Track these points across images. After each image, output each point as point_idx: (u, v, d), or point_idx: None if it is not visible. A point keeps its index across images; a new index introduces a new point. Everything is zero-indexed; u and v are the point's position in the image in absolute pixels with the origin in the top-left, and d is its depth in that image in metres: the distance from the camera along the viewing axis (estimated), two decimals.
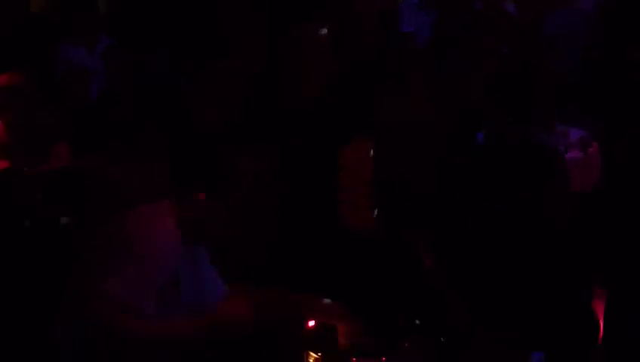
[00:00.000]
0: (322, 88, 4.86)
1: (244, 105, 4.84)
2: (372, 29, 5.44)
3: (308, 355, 3.16)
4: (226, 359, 2.95)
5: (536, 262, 4.47)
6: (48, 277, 4.35)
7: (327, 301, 3.38)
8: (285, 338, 3.29)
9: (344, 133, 4.73)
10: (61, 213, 4.78)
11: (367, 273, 4.49)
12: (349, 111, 4.76)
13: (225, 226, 3.12)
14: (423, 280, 3.57)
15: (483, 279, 4.42)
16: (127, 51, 5.63)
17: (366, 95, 4.85)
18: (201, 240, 3.15)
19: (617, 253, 4.51)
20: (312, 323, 3.36)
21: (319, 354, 3.15)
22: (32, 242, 4.73)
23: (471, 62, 5.10)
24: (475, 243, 4.53)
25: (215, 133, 4.74)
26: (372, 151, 4.77)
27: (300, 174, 4.23)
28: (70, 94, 5.41)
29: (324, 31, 4.91)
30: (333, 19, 5.08)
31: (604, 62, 5.48)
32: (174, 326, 3.02)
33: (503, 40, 5.46)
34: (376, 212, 4.63)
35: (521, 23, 5.97)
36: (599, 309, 4.25)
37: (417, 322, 3.38)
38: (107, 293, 2.89)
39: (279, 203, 3.24)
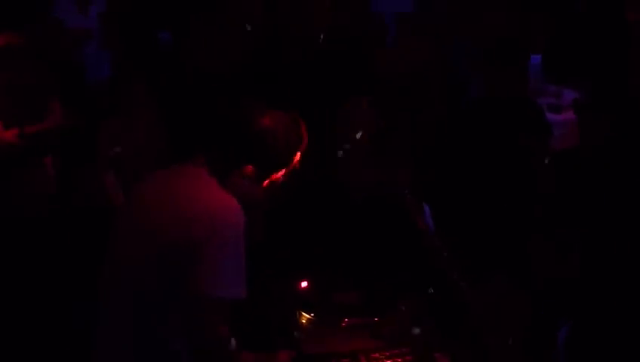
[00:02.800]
0: (318, 44, 4.84)
1: (242, 60, 4.80)
2: None
3: (301, 316, 3.17)
4: None
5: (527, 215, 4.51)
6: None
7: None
8: (279, 299, 3.30)
9: (342, 89, 4.72)
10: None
11: (361, 232, 4.51)
12: (347, 68, 4.74)
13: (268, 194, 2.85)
14: (416, 241, 3.57)
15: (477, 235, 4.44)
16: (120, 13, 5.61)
17: (364, 51, 4.83)
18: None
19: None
20: (305, 283, 3.38)
21: (312, 314, 3.17)
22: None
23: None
24: (470, 198, 4.54)
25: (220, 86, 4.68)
26: (371, 108, 4.77)
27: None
28: (63, 54, 5.39)
29: None
30: None
31: (599, 23, 5.43)
32: None
33: None
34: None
35: None
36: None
37: (409, 284, 3.40)
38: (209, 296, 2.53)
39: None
